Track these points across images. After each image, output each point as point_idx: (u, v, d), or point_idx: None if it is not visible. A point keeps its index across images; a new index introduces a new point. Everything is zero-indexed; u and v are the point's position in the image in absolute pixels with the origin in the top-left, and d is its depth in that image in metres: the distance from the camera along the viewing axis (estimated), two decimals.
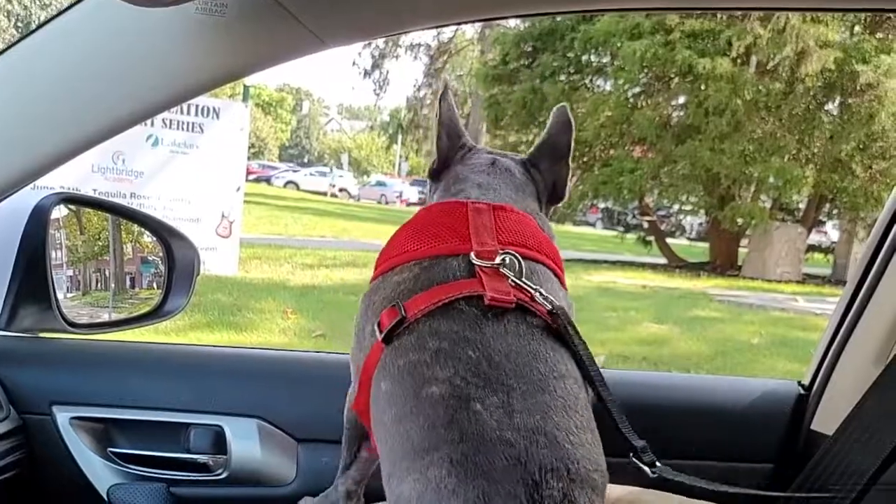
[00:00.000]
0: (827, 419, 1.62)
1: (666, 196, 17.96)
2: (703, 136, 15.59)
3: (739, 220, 16.31)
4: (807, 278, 16.44)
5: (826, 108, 16.15)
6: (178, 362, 1.83)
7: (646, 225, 18.77)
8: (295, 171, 36.70)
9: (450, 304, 1.22)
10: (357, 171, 41.40)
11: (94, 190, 9.60)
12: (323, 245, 14.74)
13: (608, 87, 17.82)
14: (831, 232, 22.90)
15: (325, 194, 33.04)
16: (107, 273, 2.06)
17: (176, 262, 1.97)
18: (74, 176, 9.44)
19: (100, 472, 1.70)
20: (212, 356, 1.90)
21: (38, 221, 1.67)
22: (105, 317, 1.99)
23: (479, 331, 1.19)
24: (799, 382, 1.77)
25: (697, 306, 11.56)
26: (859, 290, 1.66)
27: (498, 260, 1.26)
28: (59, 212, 1.87)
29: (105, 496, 1.69)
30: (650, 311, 10.55)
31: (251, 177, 32.98)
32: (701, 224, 22.68)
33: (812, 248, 18.46)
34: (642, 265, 16.55)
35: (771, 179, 16.02)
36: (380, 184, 37.11)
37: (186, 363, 1.83)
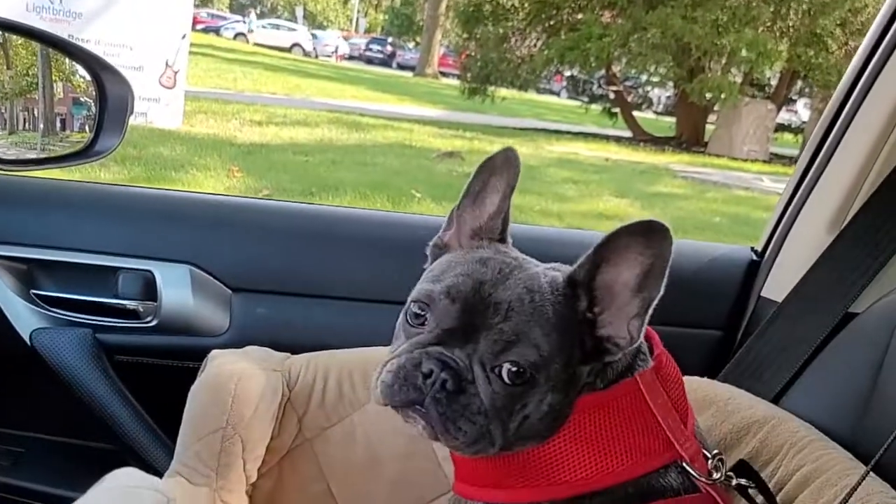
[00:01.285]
0: (777, 286, 1.64)
1: (634, 66, 17.80)
2: (675, 2, 15.39)
3: (708, 95, 16.25)
4: (774, 158, 16.49)
5: None
6: (109, 203, 1.80)
7: (612, 96, 18.69)
8: (246, 23, 35.82)
9: None
10: (312, 25, 40.61)
11: None
12: (274, 102, 14.52)
13: None
14: (802, 111, 22.98)
15: (280, 48, 32.34)
16: (35, 113, 2.02)
17: (108, 99, 1.93)
18: (8, 14, 9.12)
19: (22, 314, 1.69)
20: (145, 198, 1.86)
21: None
22: (29, 156, 1.95)
23: None
24: (752, 248, 1.78)
25: (660, 182, 11.62)
26: (816, 155, 1.66)
27: (716, 473, 1.11)
28: None
29: (27, 340, 1.68)
30: (611, 185, 10.58)
31: (199, 27, 32.20)
32: (669, 97, 22.64)
33: (781, 127, 18.52)
34: (606, 137, 16.51)
35: (743, 52, 15.93)
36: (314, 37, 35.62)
37: (118, 204, 1.79)
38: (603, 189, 10.23)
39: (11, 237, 1.70)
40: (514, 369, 1.03)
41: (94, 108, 1.94)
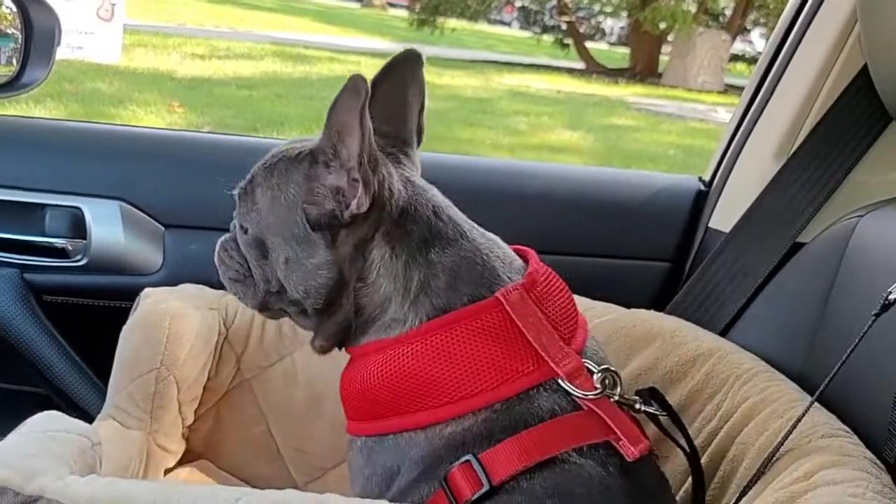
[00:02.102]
0: (725, 217, 1.63)
1: None
2: None
3: (662, 24, 16.20)
4: (729, 89, 16.48)
5: None
6: (34, 137, 1.74)
7: (564, 26, 18.60)
8: None
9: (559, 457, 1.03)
10: None
11: None
12: (217, 35, 14.28)
13: None
14: (757, 41, 23.00)
15: None
16: None
17: (34, 29, 1.89)
18: None
19: None
20: (72, 131, 1.82)
21: None
22: None
23: (611, 497, 1.03)
24: (700, 178, 1.78)
25: (614, 114, 11.62)
26: (762, 83, 1.64)
27: (599, 385, 1.07)
28: None
29: None
30: (563, 117, 10.56)
31: None
32: (622, 27, 22.55)
33: (736, 58, 18.51)
34: (558, 69, 16.42)
35: None
36: None
37: (43, 138, 1.74)
38: (555, 122, 10.22)
39: None
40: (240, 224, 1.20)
41: (20, 40, 1.91)
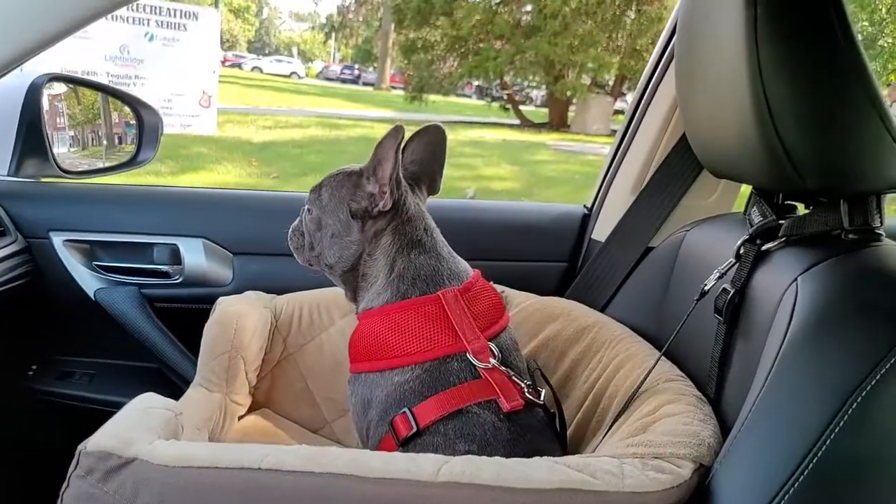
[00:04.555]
0: (602, 231, 1.60)
1: (519, 76, 17.68)
2: (542, 33, 15.37)
3: (568, 93, 16.26)
4: (613, 133, 16.46)
5: (627, 13, 15.96)
6: (146, 199, 1.71)
7: (505, 97, 18.58)
8: (259, 59, 34.88)
9: (465, 409, 1.01)
10: (304, 59, 39.75)
11: (108, 73, 9.19)
12: (279, 113, 14.17)
13: None
14: (630, 101, 23.02)
15: (282, 76, 31.58)
16: (100, 133, 1.95)
17: (145, 125, 1.86)
18: (90, 62, 8.96)
19: (87, 280, 1.61)
20: (169, 193, 1.78)
21: (33, 95, 1.57)
22: (97, 164, 1.88)
23: (500, 434, 1.00)
24: (584, 205, 1.74)
25: (538, 153, 11.56)
26: (626, 132, 1.61)
27: (493, 361, 1.05)
28: (53, 88, 1.77)
29: (93, 297, 1.61)
30: (506, 157, 10.51)
31: (227, 64, 31.44)
32: (543, 95, 22.51)
33: (617, 112, 18.51)
34: (502, 125, 16.43)
35: (590, 64, 16.01)
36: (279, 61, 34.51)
37: (151, 199, 1.71)
38: (500, 160, 10.17)
39: (79, 226, 1.62)
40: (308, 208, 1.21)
41: (135, 131, 1.90)
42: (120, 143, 1.99)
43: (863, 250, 0.90)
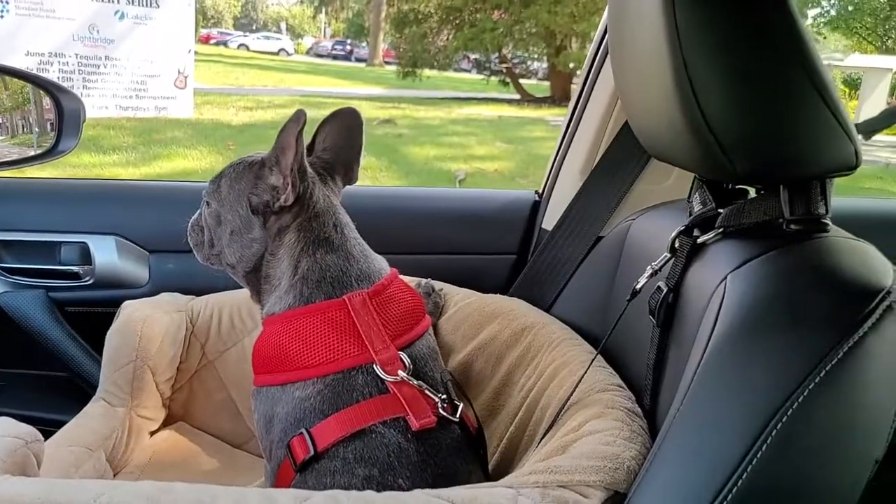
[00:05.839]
0: (551, 219, 1.52)
1: (518, 48, 17.57)
2: (542, 1, 15.19)
3: (571, 64, 16.10)
4: None
5: None
6: (52, 193, 1.64)
7: (504, 70, 18.43)
8: (245, 36, 34.64)
9: (368, 429, 0.95)
10: (293, 35, 39.48)
11: (76, 55, 9.09)
12: (263, 93, 14.02)
13: None
14: None
15: (270, 53, 31.36)
16: (30, 120, 1.88)
17: (65, 111, 1.78)
18: (57, 42, 8.88)
19: None
20: (77, 187, 1.71)
21: None
22: (29, 153, 1.82)
23: (405, 457, 0.94)
24: (535, 191, 1.66)
25: (536, 129, 11.43)
26: (572, 117, 1.53)
27: (402, 374, 0.98)
28: None
29: None
30: (500, 134, 10.40)
31: (212, 41, 31.14)
32: (544, 68, 22.34)
33: None
34: (501, 100, 16.27)
35: (593, 34, 15.81)
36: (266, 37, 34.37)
37: (57, 192, 1.64)
38: (495, 138, 10.06)
39: None
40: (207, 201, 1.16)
41: (55, 120, 1.83)
42: (52, 129, 1.94)
43: (803, 243, 0.82)
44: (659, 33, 0.79)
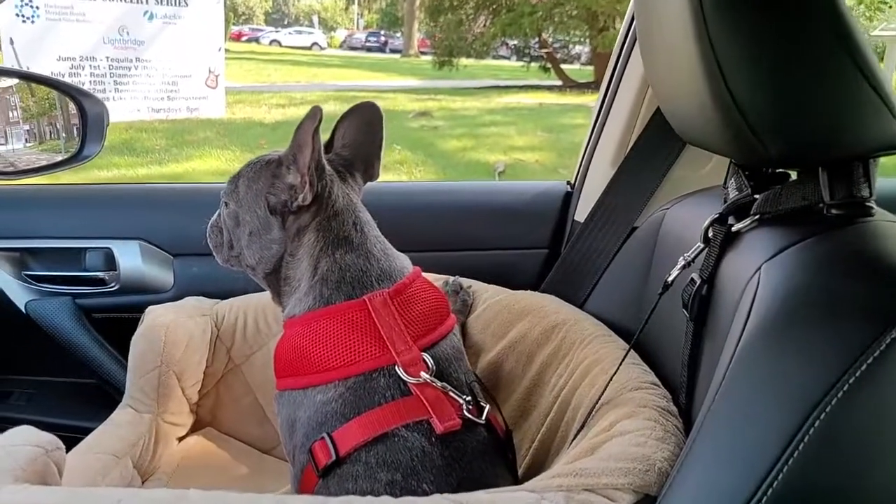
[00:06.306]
0: (584, 211, 1.50)
1: (559, 31, 17.41)
2: None
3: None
4: None
5: None
6: (76, 199, 1.68)
7: (545, 56, 18.30)
8: (277, 32, 35.00)
9: (391, 432, 0.94)
10: (325, 28, 39.78)
11: (107, 57, 9.25)
12: (296, 89, 14.13)
13: None
14: None
15: (303, 48, 31.63)
16: (57, 126, 1.92)
17: (88, 116, 1.81)
18: (88, 46, 9.05)
19: (17, 291, 1.58)
20: (101, 191, 1.74)
21: None
22: (56, 158, 1.86)
23: (429, 461, 0.93)
24: (567, 182, 1.65)
25: (578, 116, 11.31)
26: (602, 105, 1.51)
27: (425, 375, 0.98)
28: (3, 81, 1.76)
29: (24, 309, 1.58)
30: (541, 123, 10.32)
31: (244, 38, 31.48)
32: (587, 52, 22.16)
33: None
34: (542, 87, 16.16)
35: None
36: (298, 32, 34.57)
37: (80, 198, 1.67)
38: (535, 127, 9.99)
39: (6, 233, 1.59)
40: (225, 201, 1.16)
41: (79, 125, 1.86)
42: (79, 134, 1.98)
43: (844, 229, 0.80)
44: (684, 12, 0.77)
